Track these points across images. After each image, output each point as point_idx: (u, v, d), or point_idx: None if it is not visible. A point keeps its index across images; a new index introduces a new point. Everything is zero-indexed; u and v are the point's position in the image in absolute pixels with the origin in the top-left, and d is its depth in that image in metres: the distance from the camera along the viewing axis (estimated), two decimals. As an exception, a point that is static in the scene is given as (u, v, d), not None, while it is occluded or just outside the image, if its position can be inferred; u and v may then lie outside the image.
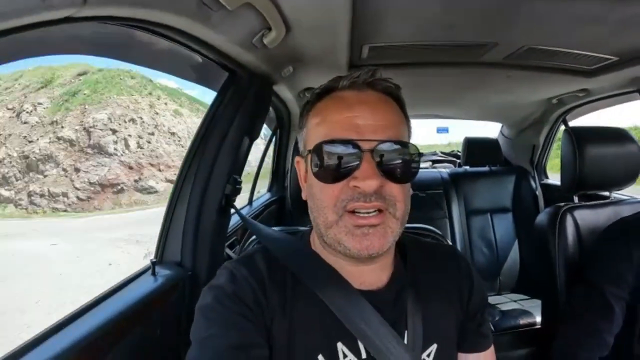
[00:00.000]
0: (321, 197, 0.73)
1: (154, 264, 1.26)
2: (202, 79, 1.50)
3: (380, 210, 0.70)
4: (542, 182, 3.12)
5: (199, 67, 1.34)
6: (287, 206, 2.82)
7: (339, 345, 0.73)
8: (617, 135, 1.51)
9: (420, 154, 0.77)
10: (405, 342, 0.75)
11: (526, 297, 2.73)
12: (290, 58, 1.48)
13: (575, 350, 1.23)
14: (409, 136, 0.80)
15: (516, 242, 2.96)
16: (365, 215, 0.70)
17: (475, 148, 3.22)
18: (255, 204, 2.58)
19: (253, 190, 2.63)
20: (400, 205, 0.72)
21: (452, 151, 5.56)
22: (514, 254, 2.93)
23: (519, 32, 1.42)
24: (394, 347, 0.72)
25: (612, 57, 1.62)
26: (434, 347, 0.79)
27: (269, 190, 2.95)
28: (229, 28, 1.03)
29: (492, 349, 0.90)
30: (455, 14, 1.27)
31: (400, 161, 0.72)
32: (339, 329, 0.73)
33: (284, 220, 2.81)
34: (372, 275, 0.79)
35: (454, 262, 0.89)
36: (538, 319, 2.28)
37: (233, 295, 0.72)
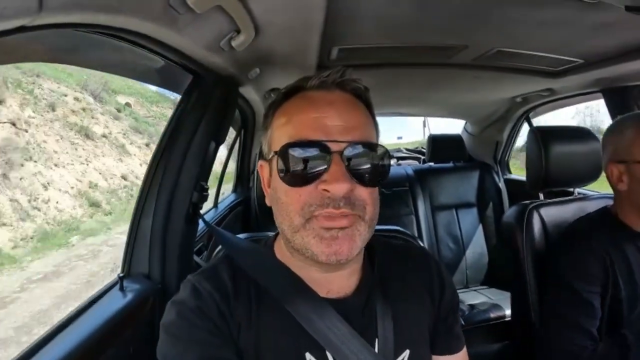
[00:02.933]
0: (286, 201, 0.69)
1: (121, 278, 1.20)
2: (165, 83, 1.42)
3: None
4: (505, 177, 3.21)
5: (161, 71, 1.27)
6: (253, 207, 2.76)
7: (307, 355, 0.71)
8: (580, 134, 1.55)
9: (390, 156, 0.74)
10: (377, 350, 0.73)
11: (494, 289, 2.81)
12: (258, 60, 1.43)
13: (572, 348, 1.24)
14: (377, 138, 0.77)
15: (482, 236, 3.03)
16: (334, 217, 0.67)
17: (439, 145, 3.25)
18: (220, 206, 2.51)
19: (218, 192, 2.56)
20: (370, 208, 0.70)
21: (417, 147, 5.64)
22: (480, 247, 3.00)
23: (488, 35, 1.43)
24: (364, 356, 0.70)
25: (577, 60, 1.67)
26: (406, 353, 0.77)
27: (234, 191, 2.88)
28: (196, 31, 0.98)
29: (464, 350, 0.89)
30: (427, 16, 1.27)
31: (369, 164, 0.69)
32: (307, 339, 0.70)
33: (250, 221, 2.76)
34: (340, 283, 0.77)
35: (423, 263, 0.87)
36: (507, 311, 2.34)
37: (197, 310, 0.69)
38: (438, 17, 1.27)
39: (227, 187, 2.89)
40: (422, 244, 1.22)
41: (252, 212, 2.75)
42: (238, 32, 1.08)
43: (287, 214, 0.69)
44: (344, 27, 1.29)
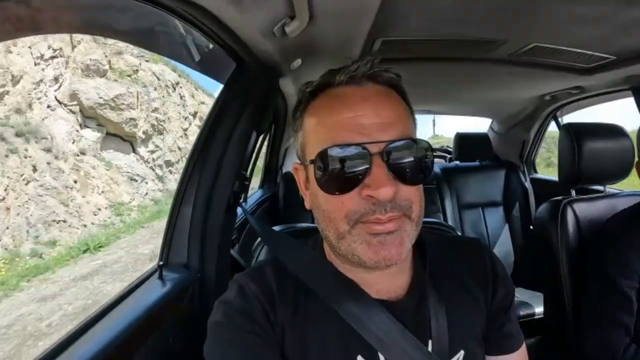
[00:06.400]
0: (328, 209, 0.66)
1: (160, 267, 1.19)
2: (207, 68, 1.41)
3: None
4: (532, 176, 3.18)
5: (206, 55, 1.27)
6: (280, 204, 2.76)
7: (359, 358, 0.69)
8: (612, 131, 1.54)
9: (432, 149, 0.70)
10: (430, 350, 0.70)
11: (521, 288, 2.76)
12: (303, 49, 1.41)
13: (609, 342, 1.25)
14: (415, 130, 0.72)
15: (508, 235, 3.00)
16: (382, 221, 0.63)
17: (466, 143, 3.23)
18: (249, 201, 2.50)
19: (248, 186, 2.55)
20: (416, 207, 0.66)
21: (442, 146, 5.60)
22: (507, 247, 2.98)
23: (527, 29, 1.42)
24: (418, 357, 0.67)
25: (609, 56, 1.65)
26: (461, 353, 0.73)
27: (261, 187, 2.87)
28: (256, 13, 0.97)
29: (523, 349, 0.85)
30: (469, 9, 1.25)
31: (412, 161, 0.64)
32: (358, 341, 0.68)
33: (277, 217, 2.76)
34: (389, 281, 0.73)
35: (477, 255, 0.82)
36: (537, 309, 2.35)
37: (242, 312, 0.68)
38: (482, 9, 1.26)
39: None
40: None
41: (279, 208, 2.74)
42: (292, 17, 1.06)
43: (330, 221, 0.66)
44: (392, 17, 1.27)
